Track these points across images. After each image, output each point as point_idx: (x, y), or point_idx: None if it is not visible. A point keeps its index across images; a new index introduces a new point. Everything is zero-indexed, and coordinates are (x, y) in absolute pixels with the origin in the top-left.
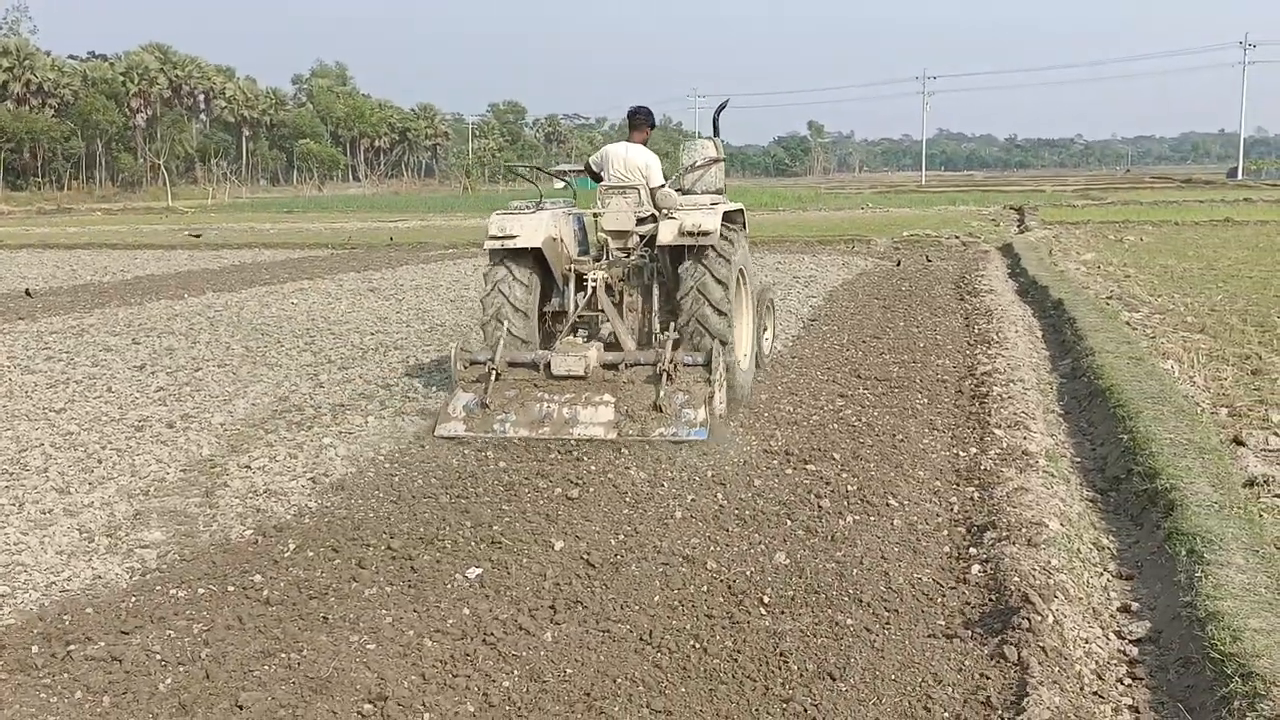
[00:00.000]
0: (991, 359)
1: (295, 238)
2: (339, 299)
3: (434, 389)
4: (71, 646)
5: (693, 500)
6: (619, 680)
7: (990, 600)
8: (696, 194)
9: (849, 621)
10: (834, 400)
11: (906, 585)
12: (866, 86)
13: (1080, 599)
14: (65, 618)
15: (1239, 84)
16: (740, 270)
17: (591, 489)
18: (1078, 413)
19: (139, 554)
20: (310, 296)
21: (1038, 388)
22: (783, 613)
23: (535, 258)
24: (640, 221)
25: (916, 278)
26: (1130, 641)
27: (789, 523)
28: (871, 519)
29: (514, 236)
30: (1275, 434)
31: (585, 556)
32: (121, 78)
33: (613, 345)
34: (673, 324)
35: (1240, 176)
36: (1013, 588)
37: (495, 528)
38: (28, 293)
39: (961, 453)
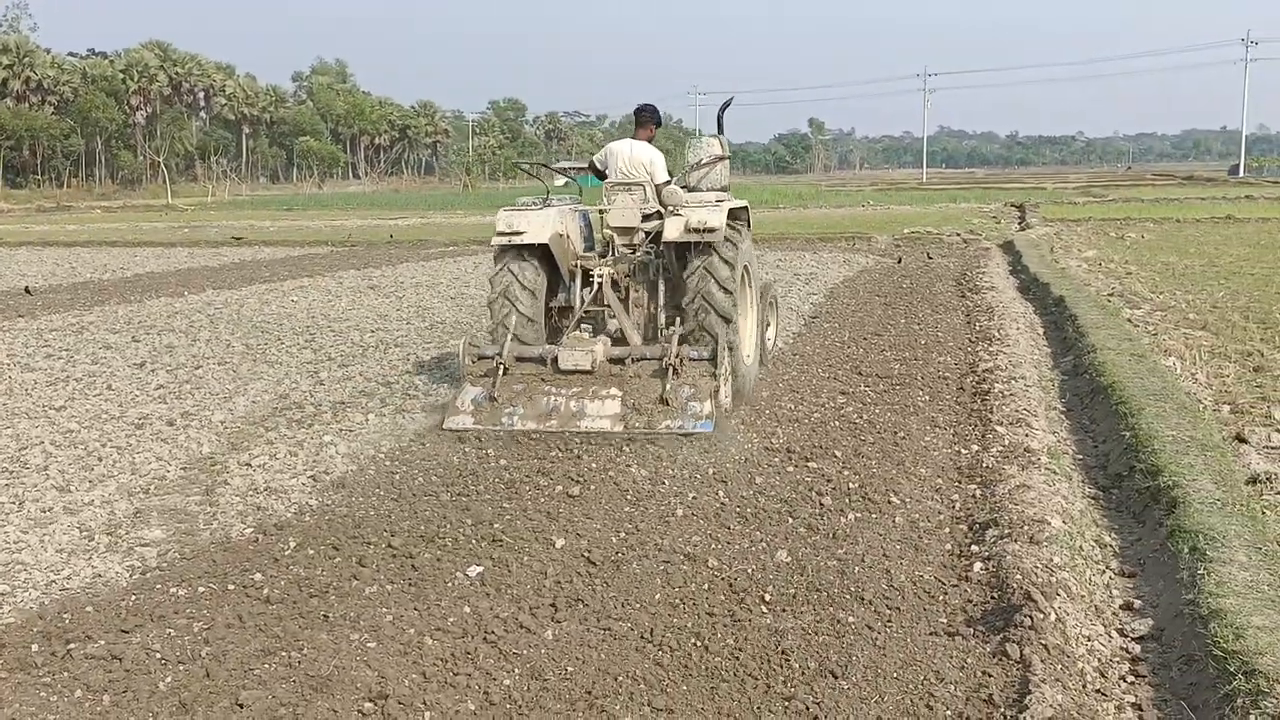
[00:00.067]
0: (993, 356)
1: (295, 235)
2: (339, 296)
3: (435, 386)
4: (71, 645)
5: (694, 498)
6: (620, 678)
7: (992, 598)
8: (702, 191)
9: (851, 619)
10: (835, 397)
11: (908, 583)
12: (867, 84)
13: (1083, 596)
14: (65, 616)
15: (1241, 81)
16: (745, 267)
17: (592, 486)
18: (1079, 410)
19: (139, 552)
20: (310, 294)
21: (1039, 385)
22: (784, 610)
23: (542, 254)
24: (646, 218)
25: (917, 275)
26: (1133, 639)
27: (790, 520)
28: (873, 516)
29: (521, 232)
30: (1277, 431)
31: (586, 554)
32: (121, 75)
33: (619, 340)
34: (678, 319)
35: (1242, 174)
36: (1015, 585)
37: (496, 525)
38: (28, 290)
39: (963, 450)
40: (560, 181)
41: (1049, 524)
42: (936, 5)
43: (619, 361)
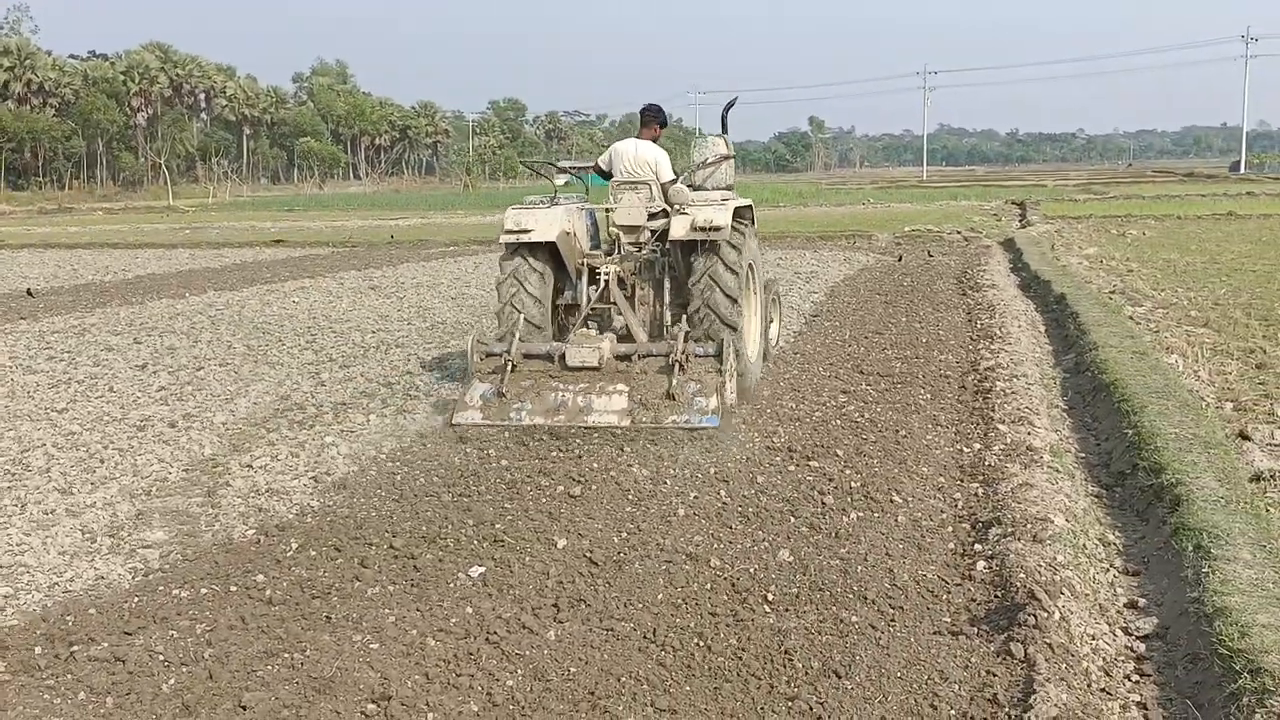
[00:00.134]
0: (994, 354)
1: (296, 236)
2: (340, 297)
3: (436, 386)
4: (74, 647)
5: (696, 498)
6: (623, 679)
7: (996, 597)
8: (707, 190)
9: (854, 619)
10: (837, 396)
11: (911, 582)
12: (867, 82)
13: (1086, 595)
14: (68, 618)
15: (1241, 78)
16: (749, 264)
17: (594, 487)
18: (1082, 408)
19: (141, 554)
20: (311, 295)
21: (1041, 383)
22: (787, 610)
23: (549, 252)
24: (651, 216)
25: (918, 273)
26: (1137, 638)
27: (792, 520)
28: (875, 516)
29: (529, 231)
30: None
31: (588, 554)
32: (122, 77)
33: (625, 337)
34: (684, 316)
35: (1244, 170)
36: (1018, 584)
37: (498, 526)
38: (29, 292)
39: (965, 448)
40: (562, 180)
41: (1052, 522)
42: (937, 4)
43: (626, 358)
